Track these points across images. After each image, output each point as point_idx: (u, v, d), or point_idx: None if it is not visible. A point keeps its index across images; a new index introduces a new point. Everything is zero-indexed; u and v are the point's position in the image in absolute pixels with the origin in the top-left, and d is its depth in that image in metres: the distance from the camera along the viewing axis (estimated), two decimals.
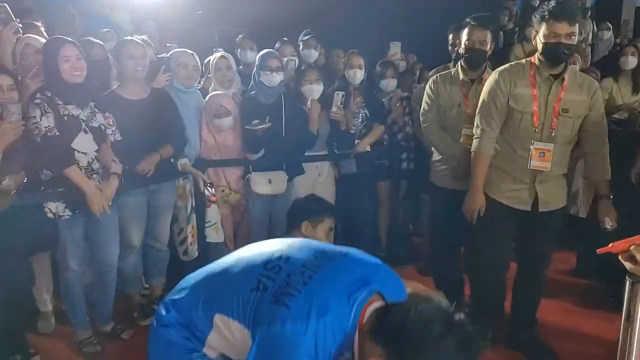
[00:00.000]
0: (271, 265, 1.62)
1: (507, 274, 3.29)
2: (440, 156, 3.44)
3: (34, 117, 2.80)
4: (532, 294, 3.18)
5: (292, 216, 2.83)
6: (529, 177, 2.91)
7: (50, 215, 2.95)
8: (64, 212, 2.96)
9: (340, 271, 1.58)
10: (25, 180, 2.89)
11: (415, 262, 4.49)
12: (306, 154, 3.90)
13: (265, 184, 3.67)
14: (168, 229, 3.58)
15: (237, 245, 3.98)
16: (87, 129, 2.99)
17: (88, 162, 3.01)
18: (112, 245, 3.20)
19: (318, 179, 4.09)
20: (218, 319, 1.61)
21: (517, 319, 3.21)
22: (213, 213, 3.68)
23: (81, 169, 2.96)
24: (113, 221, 3.17)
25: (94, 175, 3.02)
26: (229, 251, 3.78)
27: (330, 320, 1.46)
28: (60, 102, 2.90)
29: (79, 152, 2.96)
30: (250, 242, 3.76)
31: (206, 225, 3.67)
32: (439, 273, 3.62)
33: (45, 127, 2.81)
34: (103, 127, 3.07)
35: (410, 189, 4.69)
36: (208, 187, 3.61)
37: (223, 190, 3.65)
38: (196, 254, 3.72)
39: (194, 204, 3.67)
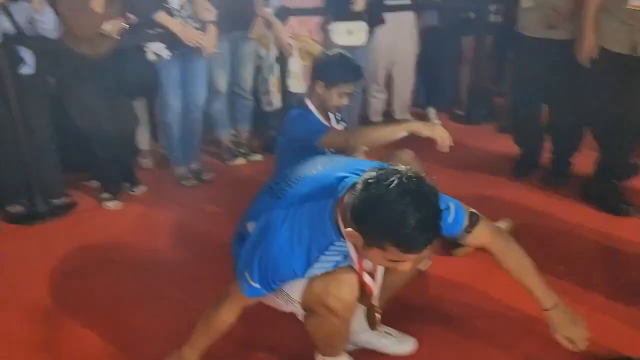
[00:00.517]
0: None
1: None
2: (532, 3, 3.24)
3: None
4: (627, 141, 3.06)
5: (312, 70, 2.63)
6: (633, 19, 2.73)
7: (151, 56, 3.19)
8: (165, 53, 3.19)
9: (328, 172, 1.64)
10: (125, 26, 3.09)
11: (495, 122, 4.47)
12: (387, 2, 3.81)
13: (344, 34, 3.67)
14: (251, 76, 3.76)
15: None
16: None
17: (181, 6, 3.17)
18: (201, 86, 3.45)
19: (400, 31, 4.01)
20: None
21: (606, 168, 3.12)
22: (295, 63, 3.78)
23: (173, 16, 3.12)
24: (203, 65, 3.41)
25: (189, 21, 3.19)
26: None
27: (307, 211, 1.54)
28: None
29: None
30: None
31: (288, 75, 3.80)
32: (518, 130, 3.60)
33: None
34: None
35: (496, 46, 4.51)
36: (290, 37, 3.67)
37: (305, 40, 3.70)
38: (279, 104, 3.92)
39: (277, 55, 3.79)
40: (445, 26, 4.12)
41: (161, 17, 3.10)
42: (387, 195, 1.32)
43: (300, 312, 1.73)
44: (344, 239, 1.52)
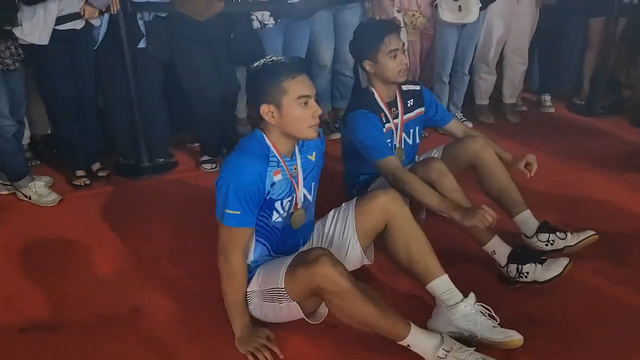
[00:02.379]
0: None
1: None
2: None
3: None
4: None
5: (354, 55, 2.52)
6: None
7: (256, 23, 3.27)
8: (269, 20, 3.26)
9: None
10: None
11: (623, 114, 4.05)
12: None
13: (454, 11, 3.48)
14: None
15: (423, 75, 3.99)
16: None
17: None
18: (302, 55, 3.45)
19: (517, 8, 3.73)
20: None
21: None
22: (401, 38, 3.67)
23: None
24: (305, 33, 3.46)
25: None
26: (414, 77, 3.89)
27: (247, 139, 1.92)
28: None
29: None
30: (434, 73, 3.83)
31: None
32: None
33: None
34: None
35: (632, 30, 4.06)
36: (397, 11, 3.56)
37: (413, 15, 3.57)
38: None
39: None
40: (566, 5, 3.76)
41: None
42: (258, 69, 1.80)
43: (297, 311, 1.81)
44: (272, 145, 1.83)
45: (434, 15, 3.59)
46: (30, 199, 2.98)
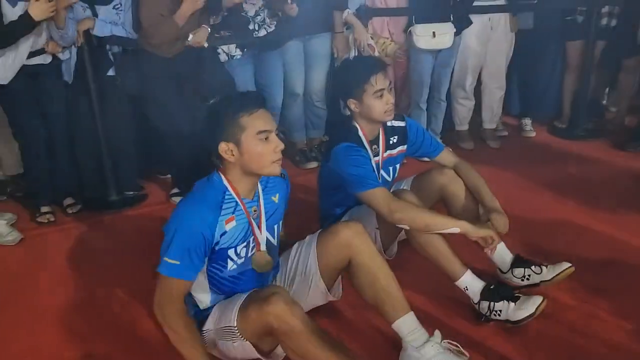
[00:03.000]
0: None
1: None
2: None
3: None
4: None
5: (338, 92, 2.49)
6: None
7: (223, 56, 3.22)
8: (236, 51, 3.22)
9: None
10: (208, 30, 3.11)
11: (606, 137, 4.00)
12: (477, 3, 3.52)
13: (428, 37, 3.44)
14: (323, 80, 3.62)
15: (399, 102, 3.93)
16: None
17: (255, 11, 3.16)
18: (277, 87, 3.42)
19: (492, 33, 3.70)
20: None
21: None
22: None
23: (249, 19, 3.13)
24: (278, 65, 3.39)
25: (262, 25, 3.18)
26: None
27: (200, 184, 1.84)
28: None
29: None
30: (410, 100, 3.78)
31: None
32: None
33: None
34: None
35: (609, 52, 4.03)
36: (369, 38, 3.52)
37: (384, 42, 3.53)
38: None
39: (355, 55, 3.65)
40: (542, 29, 3.74)
41: None
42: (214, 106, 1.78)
43: (251, 350, 1.73)
44: (230, 187, 1.75)
45: (407, 42, 3.54)
46: None
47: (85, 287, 2.45)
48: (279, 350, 1.78)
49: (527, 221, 2.76)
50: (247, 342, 1.71)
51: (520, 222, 2.74)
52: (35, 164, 3.10)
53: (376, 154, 2.34)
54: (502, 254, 2.23)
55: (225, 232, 1.73)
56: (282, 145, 1.74)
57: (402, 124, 2.41)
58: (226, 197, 1.75)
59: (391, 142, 2.38)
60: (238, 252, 1.80)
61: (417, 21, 3.44)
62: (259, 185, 1.85)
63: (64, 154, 3.17)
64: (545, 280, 2.16)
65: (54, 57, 3.00)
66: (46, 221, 3.06)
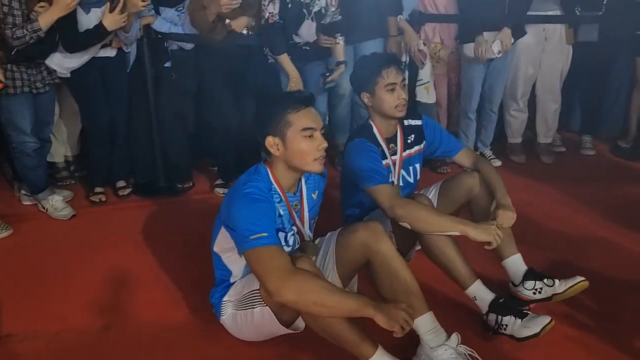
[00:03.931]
0: None
1: None
2: None
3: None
4: None
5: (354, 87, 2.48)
6: None
7: (271, 58, 3.29)
8: None
9: None
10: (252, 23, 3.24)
11: None
12: (532, 12, 3.41)
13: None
14: None
15: (450, 110, 3.89)
16: (309, 14, 3.15)
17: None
18: (322, 97, 3.44)
19: (546, 44, 3.57)
20: None
21: None
22: (426, 71, 3.60)
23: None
24: (321, 69, 3.41)
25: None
26: (439, 114, 3.79)
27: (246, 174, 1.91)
28: None
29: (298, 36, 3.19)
30: (462, 108, 3.72)
31: (417, 83, 3.64)
32: None
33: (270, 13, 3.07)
34: (324, 11, 3.21)
35: None
36: (421, 43, 3.50)
37: (435, 46, 3.50)
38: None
39: (407, 61, 3.64)
40: (608, 43, 3.55)
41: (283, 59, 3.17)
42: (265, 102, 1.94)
43: (270, 318, 1.76)
44: (274, 180, 1.84)
45: (458, 50, 3.50)
46: (47, 211, 3.13)
47: (122, 265, 2.62)
48: (300, 322, 1.81)
49: (561, 238, 2.69)
50: (267, 307, 1.76)
51: (553, 238, 2.71)
52: (96, 147, 3.34)
53: (394, 153, 2.35)
54: (516, 266, 2.18)
55: (281, 216, 1.84)
56: (325, 144, 1.80)
57: (418, 122, 2.42)
58: (272, 188, 1.84)
59: (409, 140, 2.39)
60: (287, 239, 1.89)
61: (464, 38, 3.38)
62: (302, 182, 1.94)
63: (122, 140, 3.39)
64: (558, 294, 2.09)
65: (119, 49, 3.21)
66: (98, 201, 3.30)
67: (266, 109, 1.84)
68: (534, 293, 2.12)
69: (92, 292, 2.39)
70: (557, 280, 2.11)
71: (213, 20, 3.06)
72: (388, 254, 1.88)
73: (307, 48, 3.25)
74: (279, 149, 1.80)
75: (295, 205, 1.90)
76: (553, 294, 2.10)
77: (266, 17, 3.10)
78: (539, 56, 3.58)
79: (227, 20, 3.14)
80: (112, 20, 2.91)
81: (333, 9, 3.26)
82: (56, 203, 3.13)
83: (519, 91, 3.68)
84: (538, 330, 1.90)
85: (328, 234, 2.06)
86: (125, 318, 2.22)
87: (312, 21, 3.17)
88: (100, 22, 2.91)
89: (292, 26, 3.16)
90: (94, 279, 2.49)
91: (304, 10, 3.15)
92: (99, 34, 2.94)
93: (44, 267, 2.61)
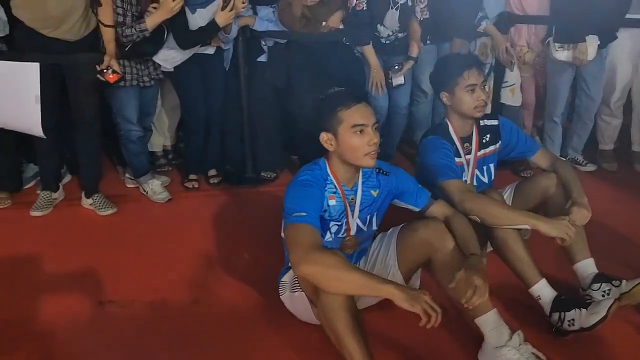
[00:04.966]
0: None
1: None
2: None
3: None
4: None
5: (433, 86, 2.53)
6: None
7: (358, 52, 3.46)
8: None
9: None
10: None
11: None
12: (630, 15, 3.25)
13: (565, 49, 3.29)
14: None
15: (535, 113, 3.82)
16: (394, 5, 3.26)
17: (388, 34, 3.35)
18: (405, 90, 3.54)
19: None
20: None
21: None
22: (512, 74, 3.57)
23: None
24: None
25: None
26: (524, 117, 3.73)
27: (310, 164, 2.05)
28: None
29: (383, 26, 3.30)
30: (547, 112, 3.62)
31: (502, 85, 3.62)
32: None
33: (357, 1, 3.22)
34: (410, 3, 3.31)
35: None
36: (508, 46, 3.47)
37: (521, 49, 3.46)
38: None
39: (493, 63, 3.63)
40: None
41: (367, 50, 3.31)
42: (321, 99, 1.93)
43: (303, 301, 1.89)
44: (331, 173, 1.95)
45: (546, 52, 3.43)
46: (147, 194, 3.45)
47: (209, 246, 2.86)
48: None
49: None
50: (302, 292, 1.92)
51: (636, 254, 2.60)
52: (193, 137, 3.62)
53: (468, 152, 2.38)
54: (586, 270, 2.16)
55: (329, 205, 1.95)
56: (376, 139, 1.87)
57: (494, 122, 2.43)
58: (328, 180, 1.97)
59: (484, 140, 2.40)
60: (330, 227, 1.99)
61: (558, 39, 3.30)
62: (360, 176, 2.02)
63: (216, 131, 3.64)
64: (625, 292, 2.05)
65: (218, 47, 3.45)
66: (191, 187, 3.58)
67: (321, 106, 1.91)
68: (602, 295, 2.09)
69: (183, 268, 2.63)
70: (624, 281, 2.08)
71: (299, 15, 3.23)
72: (449, 252, 1.92)
73: (388, 42, 3.36)
74: (332, 144, 1.89)
75: (352, 199, 1.99)
76: (621, 294, 2.06)
77: (354, 4, 3.22)
78: (636, 60, 3.42)
79: (323, 23, 3.29)
80: (224, 18, 3.17)
81: (422, 5, 3.32)
82: (155, 187, 3.44)
83: (614, 96, 3.55)
84: (605, 313, 1.88)
85: (390, 229, 2.12)
86: (210, 295, 2.44)
87: (396, 10, 3.27)
88: (214, 20, 3.17)
89: (379, 16, 3.27)
90: (185, 257, 2.73)
91: (390, 1, 3.26)
92: (212, 29, 3.21)
93: (142, 243, 2.90)
